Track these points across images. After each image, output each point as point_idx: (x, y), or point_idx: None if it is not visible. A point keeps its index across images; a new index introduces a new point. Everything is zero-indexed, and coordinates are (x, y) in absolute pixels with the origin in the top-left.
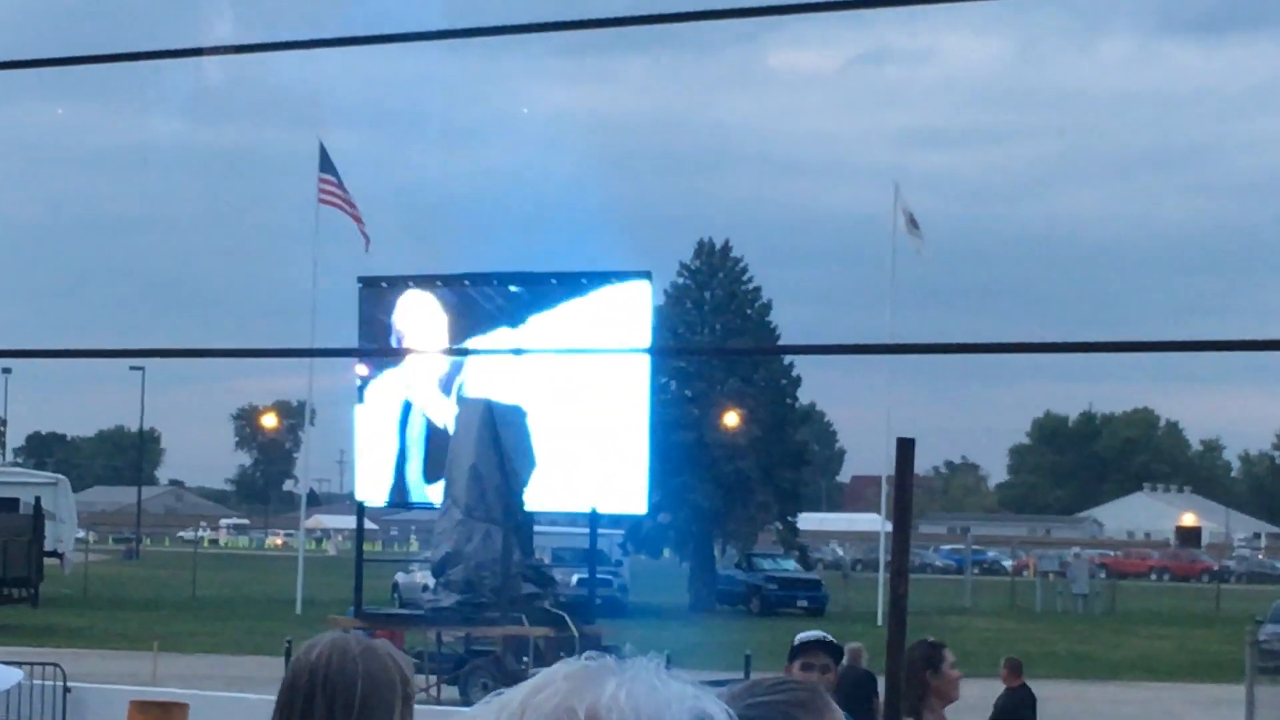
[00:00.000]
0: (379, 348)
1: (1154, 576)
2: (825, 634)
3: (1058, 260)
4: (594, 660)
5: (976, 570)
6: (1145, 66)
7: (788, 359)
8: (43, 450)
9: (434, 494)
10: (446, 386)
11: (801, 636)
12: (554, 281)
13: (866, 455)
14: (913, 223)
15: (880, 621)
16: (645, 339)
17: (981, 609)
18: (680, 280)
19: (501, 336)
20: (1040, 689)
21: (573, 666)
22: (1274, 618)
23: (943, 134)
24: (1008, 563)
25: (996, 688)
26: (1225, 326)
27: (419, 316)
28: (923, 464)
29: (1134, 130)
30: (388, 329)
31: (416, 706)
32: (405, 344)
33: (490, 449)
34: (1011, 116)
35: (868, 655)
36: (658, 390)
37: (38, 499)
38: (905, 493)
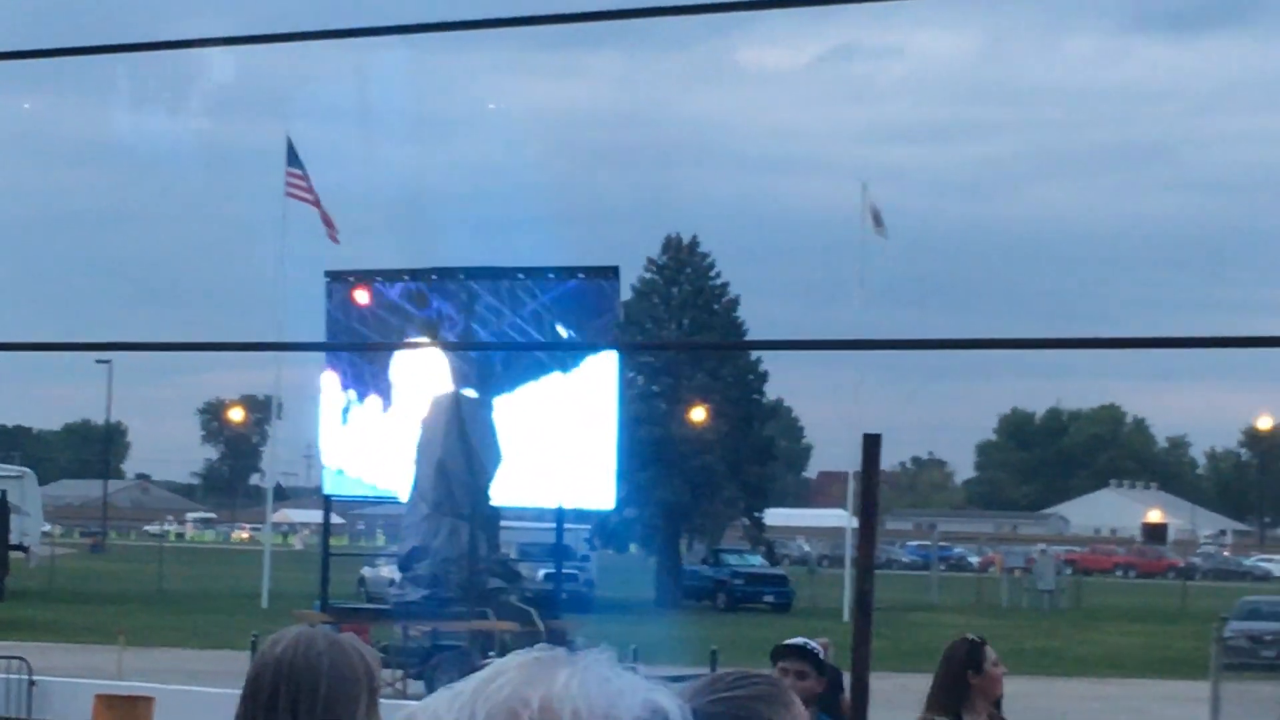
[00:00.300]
0: (346, 342)
1: (1120, 573)
2: (807, 640)
3: (1025, 256)
4: (546, 652)
5: (942, 566)
6: (1114, 62)
7: (755, 354)
8: (8, 443)
9: None
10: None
11: (783, 642)
12: (521, 276)
13: (833, 451)
14: (877, 219)
15: (846, 617)
16: (612, 334)
17: (947, 605)
18: (648, 275)
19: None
20: (1006, 684)
21: (525, 657)
22: (1239, 615)
23: (912, 130)
24: (974, 559)
25: None
26: (1192, 323)
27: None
28: (889, 460)
29: (1103, 126)
30: (350, 326)
31: (382, 700)
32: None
33: (457, 444)
34: (980, 112)
35: (834, 650)
36: (625, 385)
37: (3, 492)
38: (872, 488)
